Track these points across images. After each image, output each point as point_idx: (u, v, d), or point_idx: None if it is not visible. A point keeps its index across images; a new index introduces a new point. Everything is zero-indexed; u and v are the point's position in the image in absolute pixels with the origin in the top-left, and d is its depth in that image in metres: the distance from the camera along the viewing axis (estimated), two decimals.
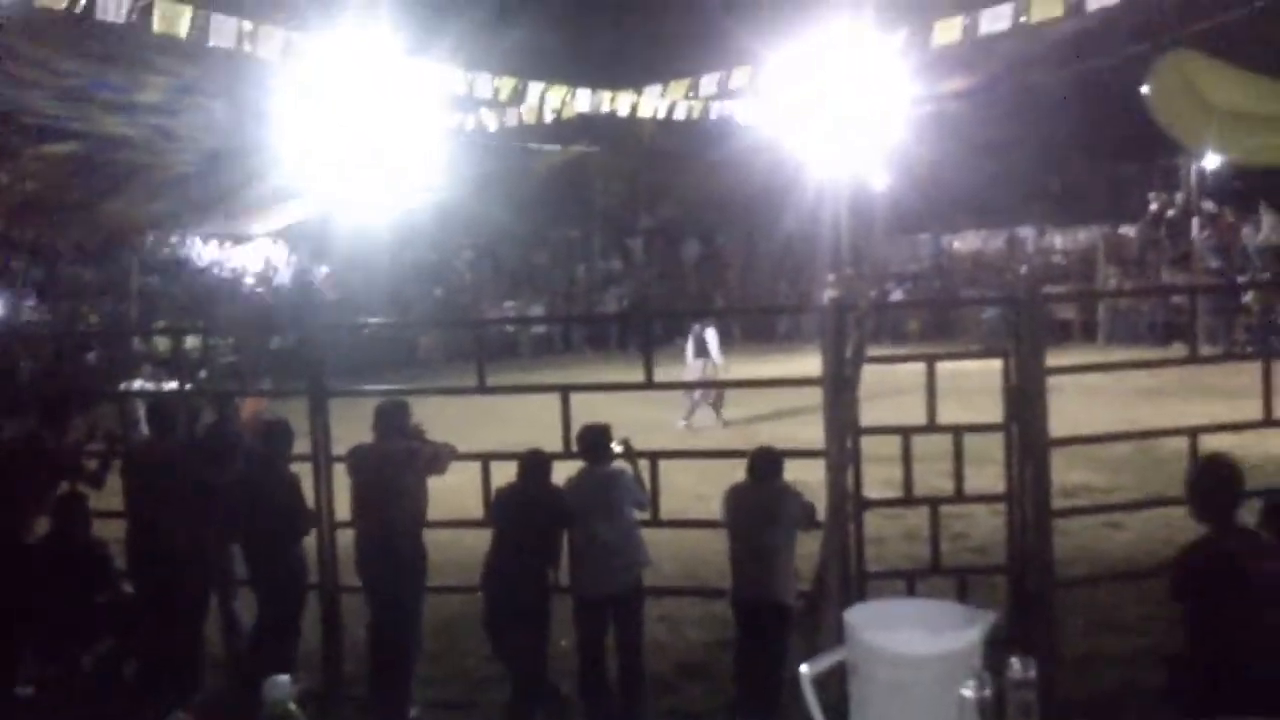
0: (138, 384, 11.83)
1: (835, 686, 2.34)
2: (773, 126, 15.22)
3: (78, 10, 7.74)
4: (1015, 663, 1.97)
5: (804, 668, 2.08)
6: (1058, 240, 27.56)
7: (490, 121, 15.14)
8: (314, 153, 14.44)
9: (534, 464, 6.30)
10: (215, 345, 21.03)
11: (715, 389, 14.95)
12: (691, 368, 15.37)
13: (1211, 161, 22.89)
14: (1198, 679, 4.36)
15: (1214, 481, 4.56)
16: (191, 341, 18.72)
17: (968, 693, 1.83)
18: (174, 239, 26.33)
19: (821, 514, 6.24)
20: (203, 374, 17.07)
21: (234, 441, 7.14)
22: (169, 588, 6.44)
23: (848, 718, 2.17)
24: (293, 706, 1.85)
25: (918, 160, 17.03)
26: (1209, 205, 23.73)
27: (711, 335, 15.15)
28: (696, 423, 15.11)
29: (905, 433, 6.70)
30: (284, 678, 1.85)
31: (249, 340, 21.39)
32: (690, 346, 15.47)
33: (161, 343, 17.36)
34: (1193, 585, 4.44)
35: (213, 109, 16.95)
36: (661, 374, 7.25)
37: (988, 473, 7.16)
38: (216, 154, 19.03)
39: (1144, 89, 6.58)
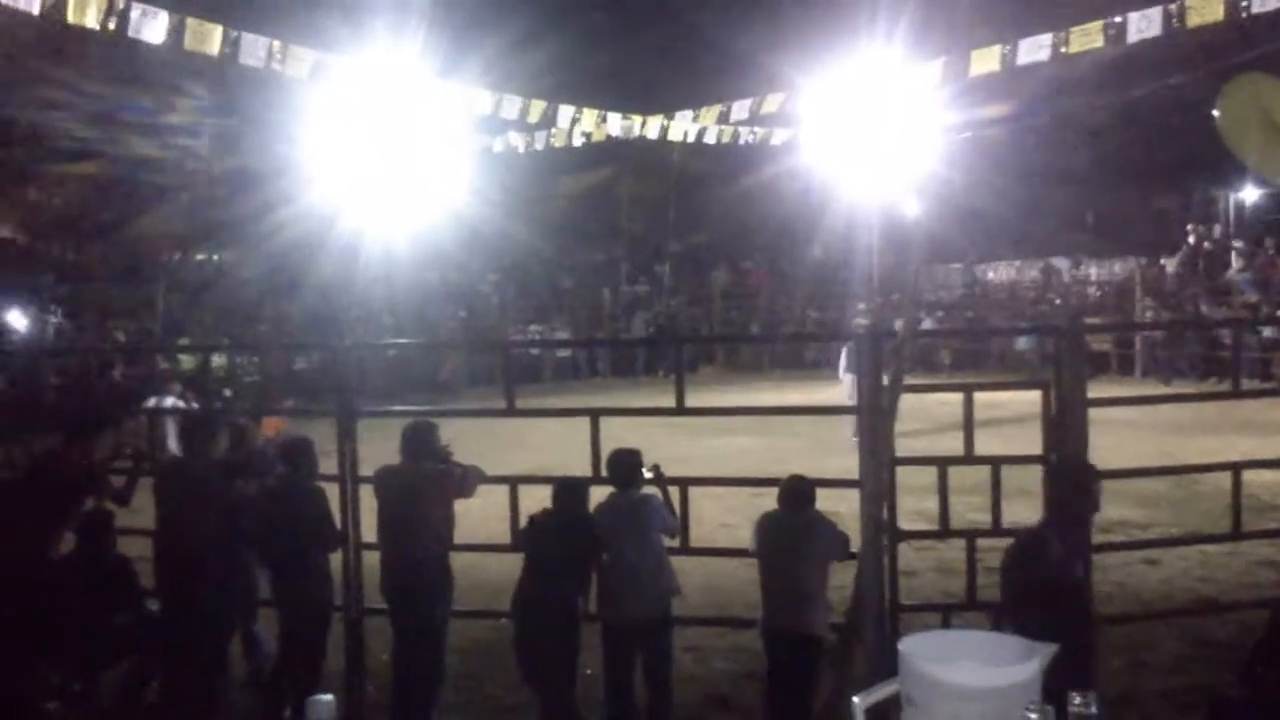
0: (169, 401, 11.77)
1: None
2: (805, 153, 15.14)
3: (110, 29, 7.71)
4: (1076, 696, 1.87)
5: (856, 699, 1.98)
6: (1093, 272, 27.31)
7: (519, 143, 15.11)
8: (341, 173, 14.43)
9: (571, 492, 6.20)
10: (240, 364, 21.17)
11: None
12: (844, 381, 15.45)
13: (1250, 195, 22.73)
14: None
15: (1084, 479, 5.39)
16: (217, 360, 18.85)
17: None
18: (201, 256, 26.54)
19: (855, 545, 6.13)
20: (227, 393, 17.17)
21: (262, 459, 7.09)
22: (195, 606, 6.37)
23: None
24: None
25: (953, 189, 16.91)
26: (1246, 240, 23.54)
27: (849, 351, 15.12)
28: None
29: (942, 464, 6.59)
30: (327, 697, 1.77)
31: (274, 360, 21.48)
32: (844, 361, 15.55)
33: (187, 360, 17.41)
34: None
35: (240, 131, 17.07)
36: (690, 400, 7.14)
37: (1021, 505, 7.04)
38: (244, 175, 19.14)
39: (1214, 111, 6.48)
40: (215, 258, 27.00)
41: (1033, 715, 1.77)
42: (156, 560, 6.68)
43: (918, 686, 1.97)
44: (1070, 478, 5.58)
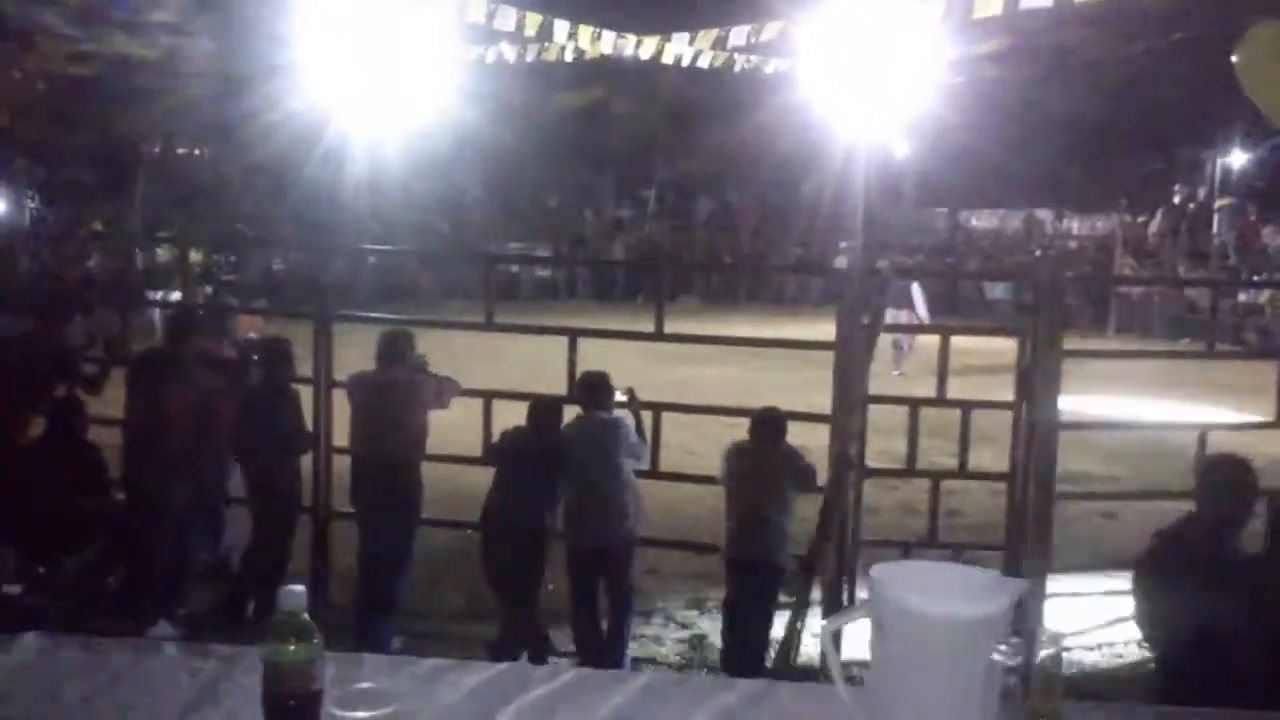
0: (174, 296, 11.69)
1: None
2: (801, 86, 14.97)
3: None
4: (1044, 633, 1.90)
5: (824, 622, 2.01)
6: (1075, 225, 27.36)
7: (510, 55, 14.87)
8: (331, 75, 14.18)
9: (547, 413, 6.24)
10: (217, 261, 21.00)
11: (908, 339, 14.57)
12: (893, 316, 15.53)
13: (1238, 159, 22.73)
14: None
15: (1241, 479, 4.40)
16: (194, 256, 18.67)
17: (999, 658, 1.76)
18: (182, 150, 26.14)
19: (821, 479, 6.19)
20: (208, 289, 17.06)
21: (244, 357, 7.08)
22: (163, 498, 6.37)
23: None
24: (306, 616, 1.78)
25: (943, 132, 16.79)
26: (1231, 202, 23.57)
27: (917, 290, 14.97)
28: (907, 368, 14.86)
29: (914, 404, 6.65)
30: (299, 587, 1.78)
31: (250, 258, 21.31)
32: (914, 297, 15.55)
33: (163, 253, 17.24)
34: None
35: (225, 34, 16.72)
36: (668, 328, 7.13)
37: (985, 452, 7.11)
38: (229, 78, 18.76)
39: (1233, 57, 6.44)
40: (198, 151, 26.61)
41: (1002, 650, 1.79)
42: (126, 449, 6.67)
43: (888, 614, 1.99)
44: (1220, 475, 4.53)
